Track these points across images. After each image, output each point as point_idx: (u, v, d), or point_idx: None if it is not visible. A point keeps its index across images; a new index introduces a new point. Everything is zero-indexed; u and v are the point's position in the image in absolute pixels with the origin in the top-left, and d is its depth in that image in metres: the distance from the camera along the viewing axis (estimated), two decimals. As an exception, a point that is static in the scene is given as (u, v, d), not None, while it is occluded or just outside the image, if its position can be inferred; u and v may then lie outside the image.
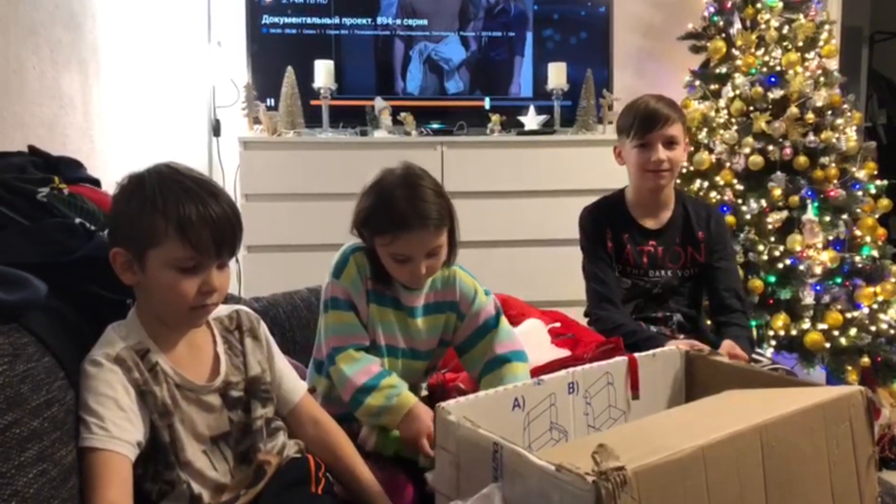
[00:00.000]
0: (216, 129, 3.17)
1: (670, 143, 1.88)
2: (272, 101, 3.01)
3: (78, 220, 1.21)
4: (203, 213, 1.04)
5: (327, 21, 3.10)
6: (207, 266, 1.07)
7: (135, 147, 2.75)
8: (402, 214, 1.30)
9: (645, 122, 1.87)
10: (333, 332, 1.37)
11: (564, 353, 1.70)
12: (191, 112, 3.15)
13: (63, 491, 0.92)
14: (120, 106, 2.60)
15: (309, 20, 3.09)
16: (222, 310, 1.22)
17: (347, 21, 3.11)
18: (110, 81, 2.51)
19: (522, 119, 3.09)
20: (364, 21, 3.12)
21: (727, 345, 1.75)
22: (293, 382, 1.26)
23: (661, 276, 1.95)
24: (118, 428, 0.99)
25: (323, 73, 2.89)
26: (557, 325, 1.87)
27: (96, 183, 1.48)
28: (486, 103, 3.18)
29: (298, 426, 1.25)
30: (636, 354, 1.34)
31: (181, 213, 1.03)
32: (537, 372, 1.44)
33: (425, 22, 3.17)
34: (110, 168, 2.45)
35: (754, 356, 1.83)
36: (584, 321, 2.01)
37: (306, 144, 2.84)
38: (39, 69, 1.97)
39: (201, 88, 3.12)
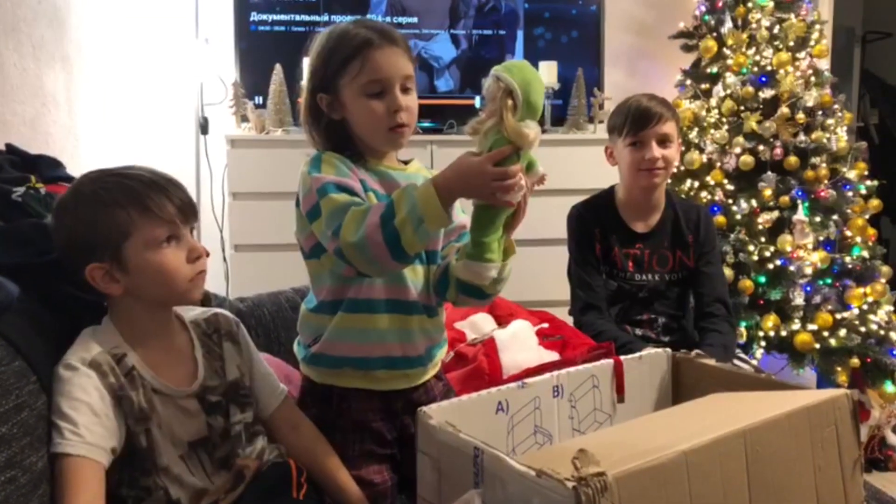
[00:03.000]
0: (204, 127, 3.14)
1: (664, 142, 1.86)
2: (260, 98, 2.98)
3: (54, 220, 1.19)
4: (151, 184, 1.06)
5: (316, 18, 3.08)
6: (182, 234, 1.08)
7: (121, 145, 2.74)
8: (365, 34, 1.19)
9: (638, 120, 1.86)
10: (332, 218, 1.11)
11: (552, 355, 1.69)
12: (178, 110, 3.12)
13: (33, 498, 0.90)
14: (105, 104, 2.58)
15: (297, 17, 3.07)
16: (200, 313, 1.20)
17: (337, 18, 3.08)
18: (95, 79, 2.49)
19: (512, 118, 3.07)
20: (353, 18, 3.09)
21: None
22: (273, 387, 1.24)
23: (648, 280, 1.94)
24: (92, 434, 0.98)
25: (312, 71, 2.86)
26: (545, 325, 1.86)
27: (75, 182, 1.45)
28: (477, 102, 3.15)
29: (277, 431, 1.23)
30: (622, 357, 1.33)
31: (134, 194, 1.04)
32: (526, 375, 1.43)
33: (415, 20, 3.15)
34: (95, 166, 2.42)
35: (735, 363, 1.82)
36: (571, 321, 2.01)
37: (294, 143, 2.81)
38: (21, 66, 1.95)
39: (189, 86, 3.09)
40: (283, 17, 3.05)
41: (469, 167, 1.08)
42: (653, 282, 1.94)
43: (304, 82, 1.27)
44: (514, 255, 1.22)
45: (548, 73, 3.05)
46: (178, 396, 1.10)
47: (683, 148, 2.82)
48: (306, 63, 1.28)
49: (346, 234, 1.08)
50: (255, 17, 3.03)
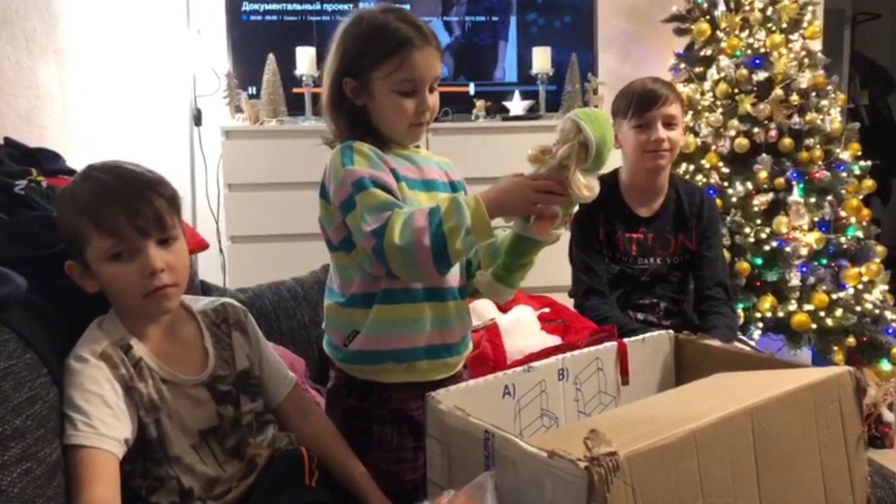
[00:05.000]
0: (197, 119, 3.12)
1: (669, 123, 1.87)
2: (254, 89, 2.97)
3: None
4: (110, 195, 1.03)
5: (308, 7, 3.06)
6: (139, 248, 1.03)
7: (115, 138, 2.72)
8: (406, 32, 1.19)
9: (643, 102, 1.86)
10: (371, 215, 1.11)
11: (554, 339, 1.70)
12: (171, 101, 3.10)
13: (48, 489, 0.90)
14: (99, 96, 2.56)
15: (289, 6, 3.04)
16: (208, 303, 1.20)
17: (329, 7, 3.06)
18: (88, 71, 2.47)
19: (507, 104, 3.07)
20: (346, 7, 3.08)
21: None
22: (282, 375, 1.24)
23: (650, 264, 1.94)
24: (105, 425, 0.98)
25: (305, 60, 2.85)
26: (547, 310, 1.87)
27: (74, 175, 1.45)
28: (471, 89, 3.16)
29: (287, 420, 1.23)
30: (625, 339, 1.33)
31: (90, 204, 1.02)
32: (528, 359, 1.43)
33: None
34: (90, 159, 2.41)
35: (737, 344, 1.83)
36: (572, 304, 2.01)
37: (289, 133, 2.80)
38: (15, 59, 1.93)
39: (181, 77, 3.07)
40: (275, 6, 3.03)
41: (514, 182, 1.13)
42: (655, 265, 1.94)
43: (329, 67, 1.26)
44: (531, 266, 1.25)
45: (541, 58, 3.05)
46: (187, 385, 1.10)
47: (679, 131, 2.82)
48: (333, 46, 1.26)
49: (392, 236, 1.08)
50: (246, 6, 3.00)
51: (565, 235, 1.28)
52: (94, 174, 1.06)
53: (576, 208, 1.17)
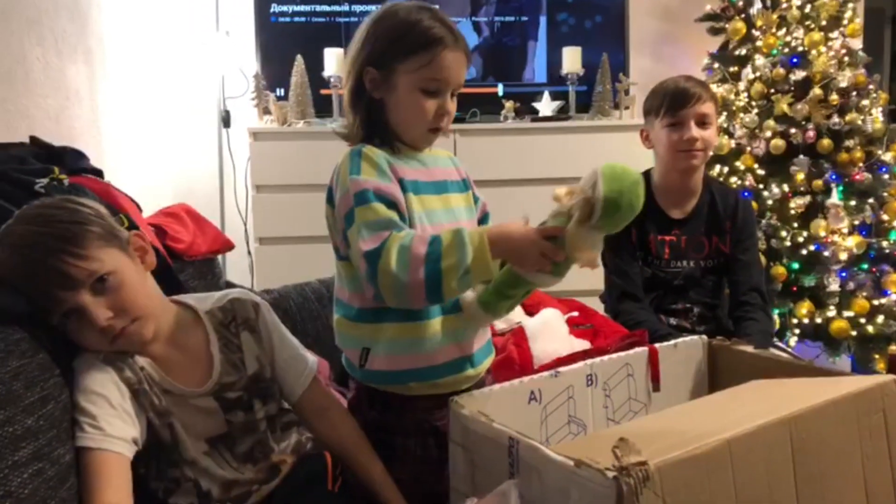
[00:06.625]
0: (226, 121, 3.14)
1: (703, 123, 1.82)
2: (282, 90, 2.97)
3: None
4: (22, 272, 0.97)
5: (336, 8, 3.05)
6: (79, 304, 0.98)
7: (143, 139, 2.74)
8: (440, 31, 1.16)
9: (676, 100, 1.82)
10: (368, 232, 1.07)
11: (583, 343, 1.66)
12: (200, 103, 3.12)
13: (61, 491, 0.89)
14: (128, 97, 2.58)
15: (318, 8, 3.04)
16: (216, 301, 1.17)
17: (357, 8, 3.06)
18: (117, 72, 2.49)
19: (537, 105, 3.04)
20: (374, 8, 3.04)
21: None
22: (298, 371, 1.20)
23: (683, 267, 1.89)
24: (111, 426, 0.97)
25: (333, 61, 2.84)
26: (576, 314, 1.83)
27: (99, 174, 1.45)
28: (500, 90, 3.13)
29: (304, 418, 1.21)
30: (657, 345, 1.29)
31: (15, 281, 0.97)
32: (556, 364, 1.39)
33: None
34: (119, 160, 2.43)
35: (773, 351, 1.77)
36: (601, 308, 1.96)
37: (317, 135, 2.80)
38: (44, 60, 1.94)
39: (210, 79, 3.09)
40: (303, 7, 3.03)
41: (523, 238, 1.06)
42: (688, 269, 1.89)
43: (352, 58, 1.21)
44: (518, 302, 1.19)
45: (572, 58, 3.01)
46: (190, 397, 1.08)
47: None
48: (358, 38, 1.22)
49: (388, 262, 1.03)
50: (275, 8, 3.01)
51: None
52: (1, 248, 0.99)
53: (573, 267, 1.08)
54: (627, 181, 1.03)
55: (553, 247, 1.04)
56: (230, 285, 1.65)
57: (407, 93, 1.17)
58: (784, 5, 2.79)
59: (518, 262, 1.08)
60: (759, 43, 2.80)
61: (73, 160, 1.40)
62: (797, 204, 2.67)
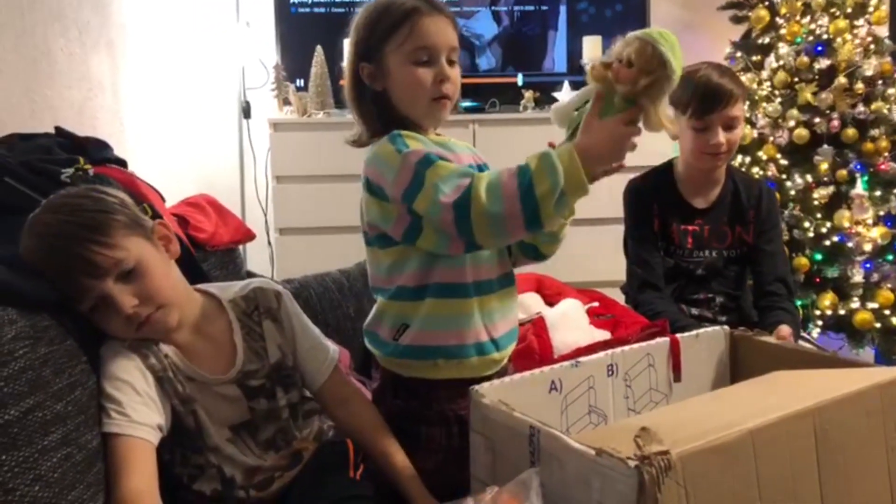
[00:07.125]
0: (246, 111, 3.16)
1: (730, 127, 1.77)
2: (302, 81, 2.98)
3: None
4: (50, 258, 0.98)
5: (356, 0, 3.06)
6: (106, 292, 0.99)
7: (165, 130, 2.76)
8: (413, 2, 1.16)
9: (705, 102, 1.74)
10: (446, 185, 1.04)
11: (604, 334, 1.66)
12: (220, 94, 3.14)
13: (89, 475, 0.90)
14: (149, 88, 2.60)
15: (337, -1, 3.05)
16: (239, 290, 1.18)
17: (377, -1, 3.05)
18: (139, 63, 2.51)
19: (557, 95, 3.02)
20: (393, -2, 3.06)
21: (783, 330, 1.67)
22: (320, 360, 1.21)
23: (706, 257, 1.87)
24: (137, 412, 0.98)
25: (352, 52, 2.84)
26: (596, 304, 1.82)
27: (123, 164, 1.46)
28: (519, 79, 3.11)
29: (326, 407, 1.22)
30: (678, 335, 1.29)
31: (45, 268, 0.98)
32: (576, 354, 1.39)
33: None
34: (140, 150, 2.45)
35: (800, 342, 1.76)
36: (622, 299, 1.96)
37: (336, 125, 2.80)
38: (68, 51, 1.96)
39: (230, 70, 3.11)
40: (323, -2, 3.04)
41: (613, 131, 1.05)
42: (710, 259, 1.87)
43: (346, 59, 1.23)
44: (573, 216, 1.20)
45: (592, 47, 2.98)
46: (214, 384, 1.09)
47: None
48: (348, 40, 1.24)
49: (479, 203, 1.01)
50: (295, -1, 3.02)
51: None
52: (29, 236, 1.01)
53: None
54: (679, 49, 1.04)
55: (636, 127, 1.06)
56: (251, 275, 1.66)
57: (400, 70, 1.17)
58: (808, -7, 2.75)
59: (617, 156, 1.08)
60: (782, 31, 2.76)
61: (96, 150, 1.42)
62: (820, 194, 2.64)
